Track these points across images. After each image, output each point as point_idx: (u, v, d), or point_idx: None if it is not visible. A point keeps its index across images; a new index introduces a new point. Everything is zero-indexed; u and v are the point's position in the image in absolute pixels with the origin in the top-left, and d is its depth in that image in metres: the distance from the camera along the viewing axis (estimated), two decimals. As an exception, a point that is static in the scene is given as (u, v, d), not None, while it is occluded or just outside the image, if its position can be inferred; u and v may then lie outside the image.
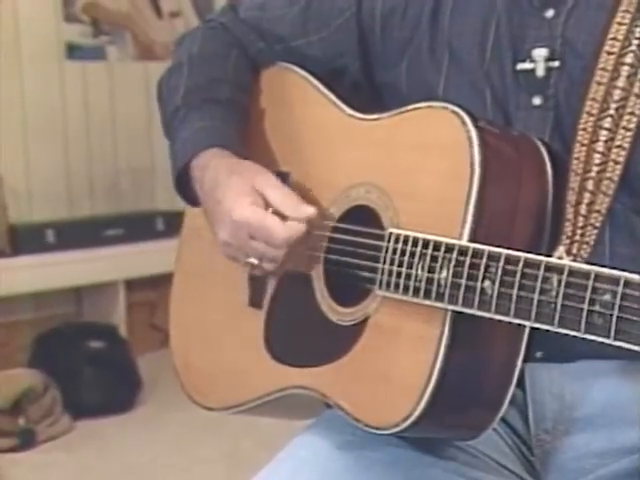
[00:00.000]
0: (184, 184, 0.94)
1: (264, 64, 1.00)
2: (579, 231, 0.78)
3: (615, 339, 0.63)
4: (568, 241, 0.78)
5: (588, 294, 0.65)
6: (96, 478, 2.11)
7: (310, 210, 0.84)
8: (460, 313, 0.76)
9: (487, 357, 0.78)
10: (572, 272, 0.67)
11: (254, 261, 0.87)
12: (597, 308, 0.64)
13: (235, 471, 1.98)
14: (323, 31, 0.96)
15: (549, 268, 0.69)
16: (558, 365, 0.83)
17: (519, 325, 0.75)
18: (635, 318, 0.62)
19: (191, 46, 1.01)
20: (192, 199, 0.94)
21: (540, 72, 0.83)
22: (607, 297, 0.64)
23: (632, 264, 0.66)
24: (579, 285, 0.66)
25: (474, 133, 0.77)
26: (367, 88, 0.95)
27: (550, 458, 0.84)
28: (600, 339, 0.65)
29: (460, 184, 0.77)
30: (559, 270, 0.68)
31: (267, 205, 0.85)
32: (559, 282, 0.67)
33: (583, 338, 0.68)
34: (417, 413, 0.76)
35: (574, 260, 0.74)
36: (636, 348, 0.62)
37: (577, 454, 0.83)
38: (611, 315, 0.63)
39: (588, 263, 0.70)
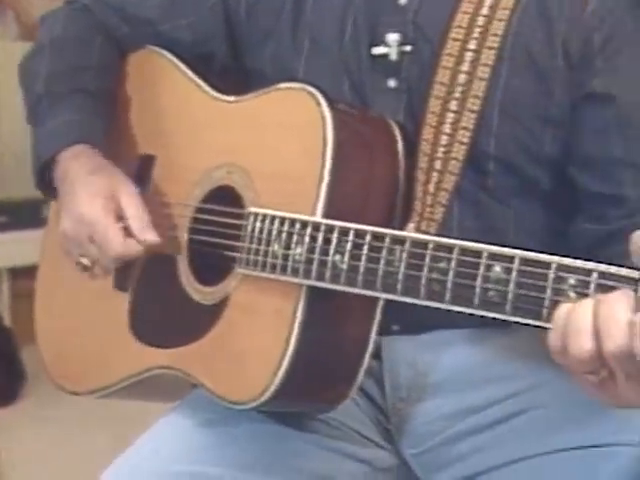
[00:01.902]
0: (44, 174, 0.93)
1: (130, 47, 1.00)
2: (428, 209, 0.82)
3: (451, 304, 0.67)
4: (417, 218, 0.82)
5: (427, 262, 0.69)
6: (-24, 473, 2.05)
7: (153, 238, 0.86)
8: (315, 288, 0.78)
9: (342, 331, 0.81)
10: (414, 243, 0.70)
11: (86, 262, 0.88)
12: (435, 275, 0.68)
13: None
14: (190, 15, 0.97)
15: (394, 240, 0.72)
16: (413, 337, 0.88)
17: (373, 299, 0.79)
18: (469, 282, 0.66)
19: (53, 28, 1.00)
20: (50, 190, 0.93)
21: (394, 56, 0.87)
22: (443, 264, 0.67)
23: (480, 236, 0.69)
24: (419, 254, 0.70)
25: (328, 113, 0.80)
26: (236, 73, 0.97)
27: (404, 424, 0.89)
28: (438, 305, 0.68)
29: (314, 163, 0.79)
30: (402, 241, 0.71)
31: (119, 215, 0.86)
32: (402, 252, 0.71)
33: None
34: (274, 387, 0.78)
35: None
36: (471, 311, 0.66)
37: (428, 419, 0.87)
38: (446, 281, 0.67)
39: (437, 238, 0.73)
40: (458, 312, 0.68)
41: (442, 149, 0.82)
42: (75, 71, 0.96)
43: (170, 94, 0.96)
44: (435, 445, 0.87)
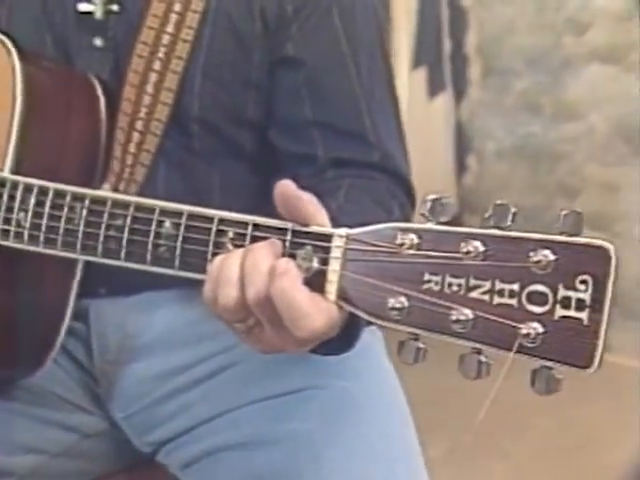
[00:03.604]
0: None
1: None
2: (128, 169, 0.81)
3: (126, 261, 0.67)
4: (114, 178, 0.81)
5: (104, 220, 0.68)
6: None
7: None
8: (2, 248, 0.75)
9: (36, 293, 0.79)
10: (92, 200, 0.69)
11: None
12: (112, 233, 0.67)
13: None
14: None
15: (74, 197, 0.70)
16: (122, 299, 0.87)
17: (72, 261, 0.76)
18: (143, 239, 0.66)
19: None
20: None
21: (99, 14, 0.85)
22: (119, 222, 0.67)
23: (186, 198, 0.68)
24: (98, 212, 0.69)
25: (18, 64, 0.77)
26: None
27: (114, 387, 0.88)
28: (114, 262, 0.68)
29: (2, 117, 0.76)
30: (81, 198, 0.70)
31: None
32: (81, 210, 0.69)
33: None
34: None
35: None
36: (145, 268, 0.66)
37: (138, 380, 0.87)
38: (121, 238, 0.67)
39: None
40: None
41: (144, 109, 0.82)
42: None
43: None
44: (145, 406, 0.87)
